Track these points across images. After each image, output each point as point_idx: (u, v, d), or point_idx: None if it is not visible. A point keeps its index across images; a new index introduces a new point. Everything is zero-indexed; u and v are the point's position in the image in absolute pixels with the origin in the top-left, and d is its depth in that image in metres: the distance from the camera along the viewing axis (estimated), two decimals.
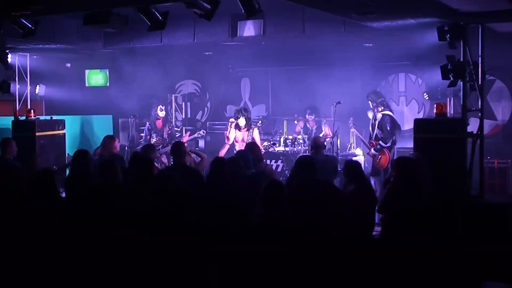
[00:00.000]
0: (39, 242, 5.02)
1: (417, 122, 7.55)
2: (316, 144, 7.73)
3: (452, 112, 9.84)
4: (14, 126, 10.03)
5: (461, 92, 7.37)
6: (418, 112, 11.51)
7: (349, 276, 4.70)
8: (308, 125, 11.05)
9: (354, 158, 10.34)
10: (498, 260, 5.75)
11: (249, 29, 9.22)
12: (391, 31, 8.36)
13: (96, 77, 13.25)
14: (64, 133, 10.64)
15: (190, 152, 7.49)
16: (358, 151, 10.74)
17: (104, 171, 5.85)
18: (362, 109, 10.82)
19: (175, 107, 13.29)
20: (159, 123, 10.62)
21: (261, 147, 8.93)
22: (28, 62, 10.94)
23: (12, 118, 10.31)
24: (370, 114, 9.97)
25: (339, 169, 8.04)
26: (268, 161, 9.71)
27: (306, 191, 5.50)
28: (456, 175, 7.02)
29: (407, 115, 11.48)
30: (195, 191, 5.04)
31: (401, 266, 4.86)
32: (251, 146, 7.46)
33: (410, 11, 7.16)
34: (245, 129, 8.84)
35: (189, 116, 13.66)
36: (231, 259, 4.32)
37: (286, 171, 9.67)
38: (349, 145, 10.97)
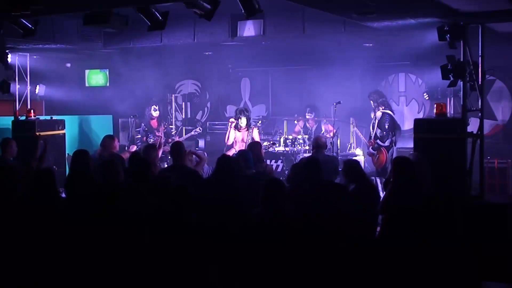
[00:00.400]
0: (39, 242, 5.02)
1: (417, 122, 7.55)
2: (318, 144, 7.73)
3: (452, 112, 9.84)
4: (14, 126, 10.03)
5: (461, 92, 7.38)
6: (418, 112, 11.52)
7: (349, 275, 4.70)
8: (308, 125, 11.05)
9: (354, 158, 10.38)
10: (498, 260, 5.75)
11: (249, 29, 9.22)
12: (391, 31, 8.36)
13: (96, 77, 13.26)
14: (64, 133, 10.63)
15: (190, 153, 7.48)
16: (358, 151, 10.74)
17: (105, 170, 5.85)
18: (362, 109, 10.81)
19: (175, 107, 13.29)
20: (154, 123, 10.63)
21: None
22: (28, 62, 10.94)
23: (12, 118, 10.31)
24: (372, 115, 9.98)
25: (339, 169, 8.04)
26: (268, 161, 9.71)
27: (311, 191, 5.48)
28: (456, 175, 7.02)
29: (407, 115, 11.49)
30: (195, 191, 5.03)
31: (401, 266, 4.86)
32: (253, 145, 7.45)
33: (410, 11, 7.16)
34: (245, 129, 8.84)
35: (189, 116, 13.66)
36: (231, 259, 4.32)
37: (286, 171, 9.67)
38: (349, 145, 10.98)
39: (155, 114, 10.65)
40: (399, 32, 8.41)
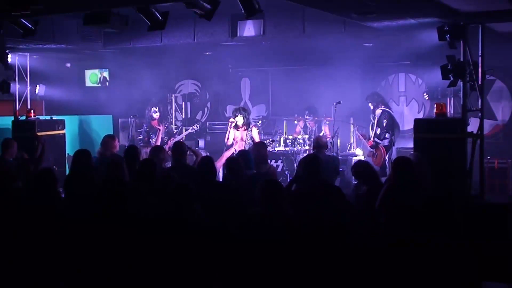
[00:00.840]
0: (39, 242, 5.02)
1: (417, 122, 7.55)
2: (319, 144, 7.72)
3: (452, 112, 9.85)
4: (14, 126, 10.03)
5: (461, 92, 7.38)
6: (418, 112, 11.52)
7: (348, 275, 4.70)
8: (308, 125, 11.05)
9: (354, 158, 10.38)
10: (498, 260, 5.75)
11: (249, 29, 9.22)
12: (391, 31, 8.36)
13: (94, 77, 13.28)
14: (64, 133, 10.63)
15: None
16: (358, 151, 10.75)
17: (110, 169, 5.85)
18: (362, 109, 10.82)
19: (175, 107, 13.30)
20: (155, 123, 10.64)
21: None
22: (28, 62, 10.94)
23: (12, 118, 10.32)
24: (372, 116, 10.00)
25: (340, 169, 8.05)
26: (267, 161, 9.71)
27: (309, 193, 5.48)
28: (456, 175, 7.03)
29: (407, 115, 11.48)
30: (197, 190, 5.04)
31: (401, 265, 4.86)
32: (259, 146, 7.41)
33: (410, 11, 7.16)
34: (244, 128, 8.83)
35: (189, 116, 13.66)
36: (231, 258, 4.32)
37: (286, 171, 9.67)
38: (349, 145, 10.98)
39: (156, 115, 10.68)
40: (399, 32, 8.41)
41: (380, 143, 9.41)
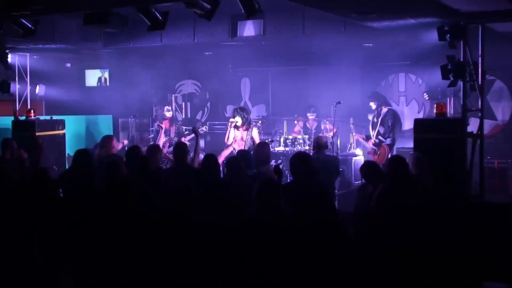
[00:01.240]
0: (38, 242, 5.03)
1: (417, 122, 7.55)
2: (319, 144, 7.70)
3: (452, 112, 9.85)
4: (14, 126, 10.03)
5: (461, 92, 7.37)
6: (418, 112, 11.51)
7: (347, 274, 4.71)
8: (308, 125, 11.05)
9: (354, 158, 10.39)
10: (498, 260, 5.75)
11: (249, 29, 9.21)
12: (391, 31, 8.36)
13: (94, 77, 13.31)
14: (64, 133, 10.63)
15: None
16: (358, 151, 10.75)
17: (108, 170, 5.86)
18: (362, 109, 10.82)
19: (175, 107, 13.30)
20: (166, 123, 10.66)
21: None
22: (28, 62, 10.95)
23: (12, 118, 10.32)
24: (370, 116, 10.00)
25: (340, 169, 8.04)
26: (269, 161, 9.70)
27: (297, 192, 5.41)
28: (456, 175, 7.02)
29: (407, 115, 11.48)
30: (198, 190, 5.03)
31: (400, 265, 4.86)
32: (260, 146, 7.39)
33: (410, 11, 7.16)
34: (244, 128, 8.83)
35: (189, 116, 13.66)
36: (234, 258, 4.32)
37: (286, 171, 9.67)
38: (349, 145, 10.98)
39: (168, 114, 10.72)
40: (399, 32, 8.41)
41: (384, 142, 9.40)
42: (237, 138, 8.89)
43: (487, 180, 9.08)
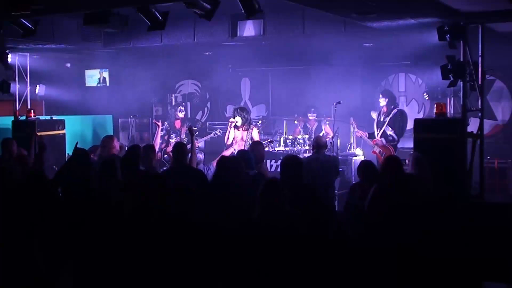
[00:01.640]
0: (38, 242, 5.03)
1: (417, 122, 7.55)
2: (318, 144, 7.69)
3: (452, 112, 9.84)
4: (14, 126, 10.03)
5: (461, 92, 7.37)
6: (418, 112, 11.52)
7: (347, 274, 4.71)
8: (308, 125, 11.05)
9: (354, 158, 10.38)
10: (498, 260, 5.75)
11: (249, 29, 9.21)
12: (391, 31, 8.36)
13: (94, 77, 13.31)
14: (64, 133, 10.63)
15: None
16: (358, 151, 10.74)
17: (104, 170, 5.86)
18: (362, 109, 10.82)
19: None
20: (178, 123, 10.66)
21: None
22: (28, 62, 10.94)
23: (12, 118, 10.31)
24: (374, 114, 9.89)
25: (340, 169, 8.03)
26: (268, 161, 9.70)
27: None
28: (456, 175, 7.02)
29: (407, 115, 11.47)
30: (199, 190, 5.03)
31: (400, 265, 4.86)
32: (254, 145, 7.40)
33: (410, 11, 7.16)
34: (243, 128, 8.83)
35: (189, 116, 13.66)
36: (235, 258, 4.32)
37: None
38: (349, 145, 10.98)
39: (181, 115, 10.76)
40: (399, 32, 8.41)
41: (394, 141, 9.24)
42: (237, 138, 8.89)
43: (487, 180, 9.08)
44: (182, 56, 12.00)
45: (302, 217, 4.47)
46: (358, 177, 6.20)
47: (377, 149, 9.35)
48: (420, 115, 11.35)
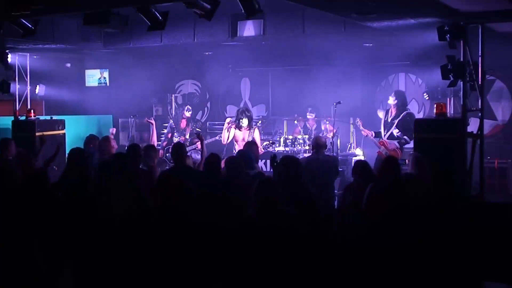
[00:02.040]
0: (38, 242, 5.03)
1: (417, 122, 7.55)
2: (318, 144, 7.68)
3: (452, 112, 9.84)
4: (14, 126, 10.03)
5: (461, 92, 7.37)
6: (418, 112, 11.51)
7: (346, 274, 4.71)
8: (308, 125, 11.05)
9: (354, 158, 10.37)
10: (498, 260, 5.75)
11: (249, 29, 9.21)
12: (391, 31, 8.37)
13: (94, 77, 13.31)
14: (64, 133, 10.63)
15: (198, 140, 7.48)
16: (358, 151, 10.74)
17: (104, 170, 5.86)
18: (362, 109, 10.81)
19: (175, 107, 13.30)
20: (183, 122, 10.67)
21: (260, 147, 8.92)
22: (28, 62, 10.94)
23: (12, 118, 10.31)
24: (381, 114, 9.78)
25: (339, 169, 8.02)
26: (268, 161, 9.68)
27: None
28: (456, 175, 7.02)
29: None
30: (197, 190, 5.03)
31: (400, 265, 4.86)
32: (249, 145, 7.40)
33: (410, 11, 7.16)
34: (247, 128, 8.85)
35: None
36: (233, 258, 4.33)
37: None
38: (349, 145, 10.98)
39: (188, 114, 10.78)
40: (399, 32, 8.41)
41: (407, 143, 9.10)
42: (238, 139, 8.89)
43: (487, 180, 9.09)
44: (182, 56, 11.99)
45: (296, 216, 4.47)
46: (352, 177, 6.17)
47: (383, 150, 9.28)
48: (420, 115, 11.34)
